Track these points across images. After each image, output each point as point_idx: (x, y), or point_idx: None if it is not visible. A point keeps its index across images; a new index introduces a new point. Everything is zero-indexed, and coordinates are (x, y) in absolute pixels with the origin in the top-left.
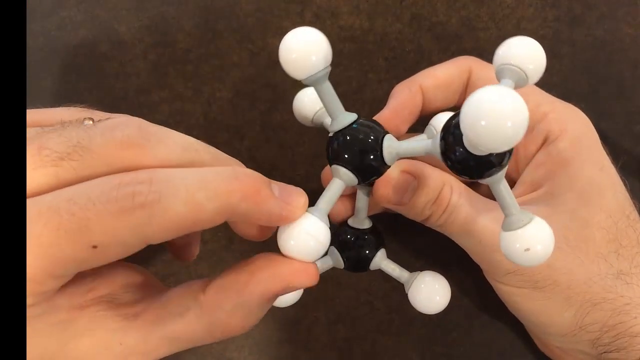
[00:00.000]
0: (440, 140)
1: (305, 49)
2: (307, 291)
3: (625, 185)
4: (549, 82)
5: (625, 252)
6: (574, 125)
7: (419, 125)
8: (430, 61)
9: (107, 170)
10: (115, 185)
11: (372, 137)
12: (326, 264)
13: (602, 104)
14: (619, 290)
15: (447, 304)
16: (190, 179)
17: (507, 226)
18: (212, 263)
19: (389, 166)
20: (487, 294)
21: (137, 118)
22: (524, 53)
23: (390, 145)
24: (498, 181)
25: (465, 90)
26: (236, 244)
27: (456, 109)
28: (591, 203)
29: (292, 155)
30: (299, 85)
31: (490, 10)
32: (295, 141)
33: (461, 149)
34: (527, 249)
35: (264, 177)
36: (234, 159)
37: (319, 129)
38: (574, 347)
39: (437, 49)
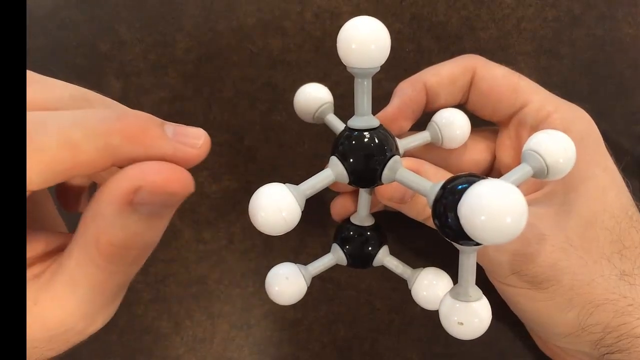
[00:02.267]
0: (434, 203)
1: (372, 40)
2: (307, 291)
3: (627, 186)
4: (549, 82)
5: (628, 253)
6: (577, 126)
7: (420, 126)
8: (430, 61)
9: None
10: None
11: (382, 151)
12: (329, 261)
13: (602, 104)
14: (621, 292)
15: None
16: (64, 119)
17: (455, 293)
18: (212, 263)
19: (382, 184)
20: (486, 294)
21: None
22: (556, 150)
23: (393, 168)
24: (470, 252)
25: (469, 88)
26: (236, 244)
27: (459, 106)
28: (594, 203)
29: (292, 155)
30: (298, 85)
31: (490, 10)
32: (295, 141)
33: (452, 215)
34: (461, 324)
35: (156, 118)
36: (142, 112)
37: (318, 129)
38: (576, 347)
39: (437, 49)
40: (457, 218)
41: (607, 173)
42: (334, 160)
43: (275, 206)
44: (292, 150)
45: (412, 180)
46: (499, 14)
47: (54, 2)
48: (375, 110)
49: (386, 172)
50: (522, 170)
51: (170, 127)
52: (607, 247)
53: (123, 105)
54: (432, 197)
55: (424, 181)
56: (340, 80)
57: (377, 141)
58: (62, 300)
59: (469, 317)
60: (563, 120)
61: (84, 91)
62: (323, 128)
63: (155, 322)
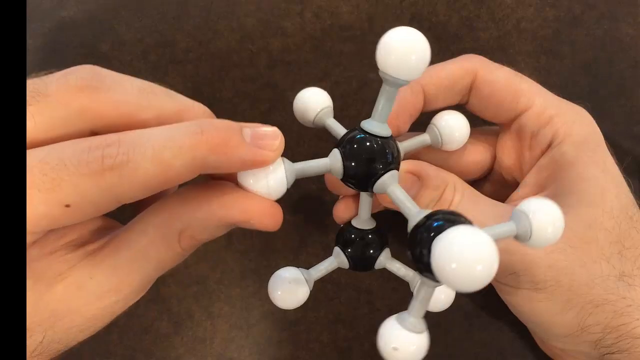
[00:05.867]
0: (413, 228)
1: (415, 51)
2: None
3: (629, 186)
4: (549, 82)
5: (628, 254)
6: (579, 128)
7: (419, 125)
8: (430, 61)
9: (65, 113)
10: (85, 148)
11: (384, 162)
12: (331, 265)
13: (602, 104)
14: (621, 292)
15: (451, 302)
16: (155, 138)
17: (401, 319)
18: (212, 263)
19: (371, 192)
20: (487, 294)
21: (92, 65)
22: (546, 222)
23: (387, 182)
24: (431, 286)
25: (470, 90)
26: (236, 244)
27: (459, 106)
28: (594, 204)
29: (292, 155)
30: (298, 85)
31: (490, 10)
32: (295, 141)
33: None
34: (396, 349)
35: (234, 124)
36: (199, 103)
37: (318, 130)
38: (576, 348)
39: (437, 49)
40: (428, 256)
41: (607, 174)
42: (335, 153)
43: (264, 174)
44: (292, 150)
45: (400, 200)
46: (499, 14)
47: (54, 2)
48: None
49: (379, 183)
50: (506, 228)
51: (248, 131)
52: (607, 247)
53: (184, 97)
54: (414, 222)
55: (412, 205)
56: (340, 80)
57: (382, 151)
58: (124, 270)
59: (406, 346)
60: (565, 123)
61: (149, 84)
62: (324, 129)
63: (155, 322)
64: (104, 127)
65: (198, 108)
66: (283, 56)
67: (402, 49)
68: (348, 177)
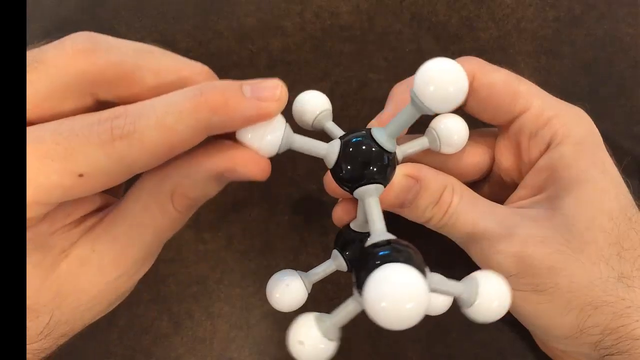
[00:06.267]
0: (371, 245)
1: (453, 85)
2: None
3: (628, 187)
4: (549, 82)
5: (627, 255)
6: (577, 129)
7: (418, 125)
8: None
9: (63, 78)
10: (95, 121)
11: (378, 171)
12: (329, 267)
13: (602, 104)
14: (620, 294)
15: (450, 304)
16: (158, 105)
17: (320, 320)
18: (212, 263)
19: (350, 193)
20: None
21: (87, 31)
22: (493, 297)
23: (368, 192)
24: (360, 302)
25: (468, 93)
26: (236, 244)
27: (457, 110)
28: (593, 206)
29: (292, 155)
30: (298, 85)
31: (490, 10)
32: None
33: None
34: (302, 343)
35: (234, 83)
36: (198, 62)
37: (318, 131)
38: (576, 349)
39: (437, 49)
40: (365, 280)
41: (605, 175)
42: (334, 143)
43: (263, 130)
44: (292, 150)
45: (371, 213)
46: (499, 14)
47: (54, 2)
48: (374, 112)
49: (362, 190)
50: (452, 285)
51: (248, 87)
52: (606, 249)
53: (181, 57)
54: (374, 240)
55: (380, 223)
56: (340, 80)
57: (380, 162)
58: (123, 241)
59: (313, 345)
60: (563, 125)
61: (144, 44)
62: (323, 132)
63: (155, 322)
64: (103, 90)
65: (195, 66)
66: (283, 56)
67: (443, 84)
68: (337, 170)
